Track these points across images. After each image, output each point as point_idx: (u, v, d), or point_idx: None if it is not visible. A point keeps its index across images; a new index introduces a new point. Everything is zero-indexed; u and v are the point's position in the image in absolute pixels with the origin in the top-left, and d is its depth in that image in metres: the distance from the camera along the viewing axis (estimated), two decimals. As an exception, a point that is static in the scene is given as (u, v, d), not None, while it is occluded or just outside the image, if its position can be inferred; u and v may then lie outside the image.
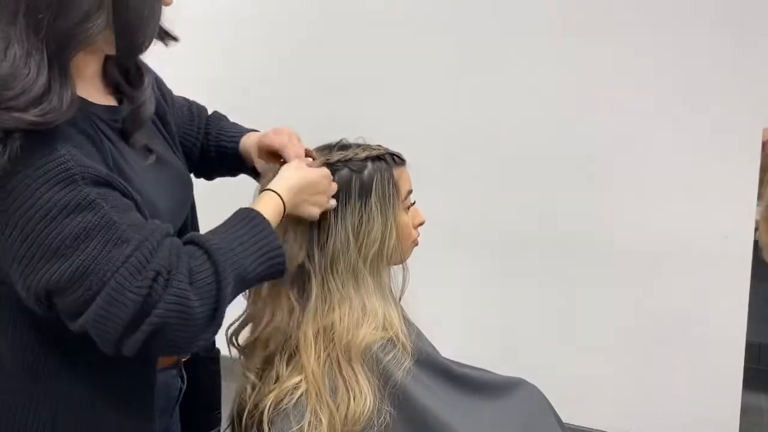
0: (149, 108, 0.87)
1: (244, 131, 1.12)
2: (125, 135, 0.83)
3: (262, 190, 0.92)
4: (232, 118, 1.18)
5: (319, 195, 0.94)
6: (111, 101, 0.85)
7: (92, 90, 0.82)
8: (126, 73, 0.87)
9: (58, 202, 0.67)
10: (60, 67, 0.71)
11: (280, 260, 0.84)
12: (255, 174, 1.09)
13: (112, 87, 0.87)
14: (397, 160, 1.03)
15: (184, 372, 1.01)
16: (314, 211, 0.94)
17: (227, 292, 0.75)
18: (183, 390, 1.00)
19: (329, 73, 2.17)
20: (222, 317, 0.76)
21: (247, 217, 0.83)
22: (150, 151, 0.87)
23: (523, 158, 1.98)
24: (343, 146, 1.02)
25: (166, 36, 0.87)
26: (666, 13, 1.79)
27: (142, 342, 0.70)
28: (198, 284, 0.72)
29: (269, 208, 0.86)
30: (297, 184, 0.91)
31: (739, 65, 1.73)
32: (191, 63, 2.12)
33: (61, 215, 0.67)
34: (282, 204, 0.88)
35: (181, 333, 0.71)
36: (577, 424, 1.91)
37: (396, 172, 1.02)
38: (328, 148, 1.02)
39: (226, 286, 0.74)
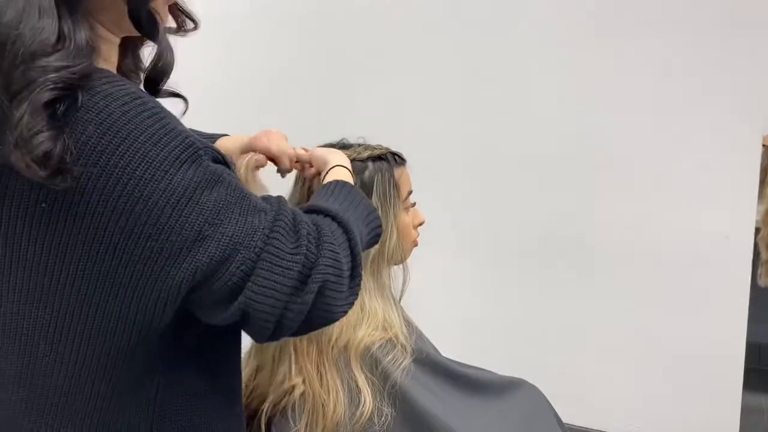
0: (172, 53, 0.78)
1: (214, 136, 1.04)
2: (155, 85, 0.77)
3: (329, 168, 0.89)
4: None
5: None
6: None
7: None
8: (138, 23, 0.76)
9: (191, 181, 0.61)
10: (70, 10, 0.62)
11: (379, 223, 0.85)
12: None
13: None
14: (398, 159, 1.04)
15: None
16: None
17: (359, 250, 0.74)
18: None
19: (330, 73, 2.17)
20: (361, 275, 0.74)
21: (344, 186, 0.83)
22: (181, 97, 0.82)
23: (523, 159, 1.98)
24: (344, 146, 1.02)
25: (186, 18, 0.81)
26: (666, 14, 1.79)
27: (309, 307, 0.66)
28: (339, 243, 0.71)
29: (349, 179, 0.87)
30: (344, 158, 0.92)
31: (739, 65, 1.73)
32: (190, 63, 2.13)
33: (197, 194, 0.61)
34: (352, 176, 0.89)
35: (338, 294, 0.69)
36: (577, 424, 1.91)
37: (396, 171, 1.02)
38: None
39: (357, 244, 0.74)
